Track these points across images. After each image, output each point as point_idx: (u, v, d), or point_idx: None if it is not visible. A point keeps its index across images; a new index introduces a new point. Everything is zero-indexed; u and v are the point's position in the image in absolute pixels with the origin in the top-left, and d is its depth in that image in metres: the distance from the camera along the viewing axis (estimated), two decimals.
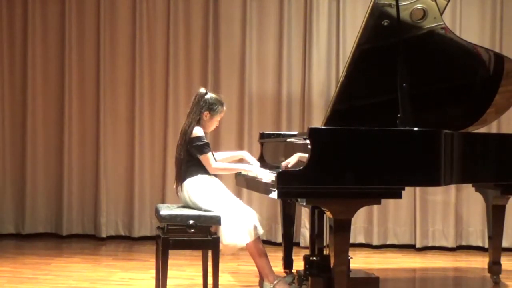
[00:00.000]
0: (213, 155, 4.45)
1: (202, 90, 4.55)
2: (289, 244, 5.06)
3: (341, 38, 6.53)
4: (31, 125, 6.79)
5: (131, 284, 4.80)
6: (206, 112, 4.45)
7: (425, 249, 6.46)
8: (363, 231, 6.53)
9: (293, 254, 5.04)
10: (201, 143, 4.35)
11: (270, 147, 5.07)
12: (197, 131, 4.38)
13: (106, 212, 6.72)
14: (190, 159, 4.41)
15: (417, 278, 5.53)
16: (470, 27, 6.43)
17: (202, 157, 4.36)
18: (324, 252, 4.41)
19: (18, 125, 6.84)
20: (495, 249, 4.92)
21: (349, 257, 4.01)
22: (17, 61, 6.83)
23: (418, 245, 6.47)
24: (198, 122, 4.45)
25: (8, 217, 6.79)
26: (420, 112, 4.23)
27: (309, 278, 4.17)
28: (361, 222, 6.50)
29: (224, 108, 4.55)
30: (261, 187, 4.32)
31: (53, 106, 6.84)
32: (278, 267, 4.79)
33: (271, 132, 5.45)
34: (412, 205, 6.48)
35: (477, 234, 6.45)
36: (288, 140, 4.76)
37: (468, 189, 5.62)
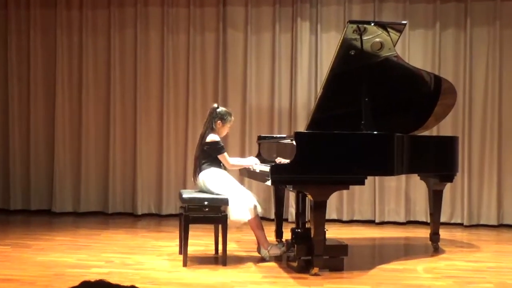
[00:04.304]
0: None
1: (214, 105, 4.54)
2: (279, 219, 5.06)
3: (319, 64, 6.50)
4: (85, 126, 6.79)
5: (161, 250, 4.78)
6: (219, 122, 4.43)
7: (382, 223, 6.44)
8: (335, 209, 6.52)
9: (283, 227, 5.04)
10: (219, 146, 4.36)
11: (265, 146, 5.06)
12: (213, 137, 4.37)
13: (141, 195, 6.70)
14: (206, 156, 4.39)
15: (376, 245, 5.52)
16: (416, 55, 6.41)
17: (220, 157, 4.36)
18: (306, 226, 4.41)
19: (75, 126, 6.83)
20: (435, 223, 4.93)
21: (325, 229, 4.01)
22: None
23: (377, 220, 6.45)
24: (213, 130, 4.44)
25: (68, 199, 6.79)
26: (378, 120, 4.23)
27: (295, 245, 4.16)
28: (334, 203, 6.48)
29: (233, 118, 4.55)
30: (258, 177, 4.32)
31: (102, 111, 6.82)
32: (271, 237, 4.78)
33: (266, 135, 5.45)
34: (372, 190, 6.46)
35: (422, 212, 6.42)
36: (279, 141, 4.77)
37: (415, 178, 5.61)
